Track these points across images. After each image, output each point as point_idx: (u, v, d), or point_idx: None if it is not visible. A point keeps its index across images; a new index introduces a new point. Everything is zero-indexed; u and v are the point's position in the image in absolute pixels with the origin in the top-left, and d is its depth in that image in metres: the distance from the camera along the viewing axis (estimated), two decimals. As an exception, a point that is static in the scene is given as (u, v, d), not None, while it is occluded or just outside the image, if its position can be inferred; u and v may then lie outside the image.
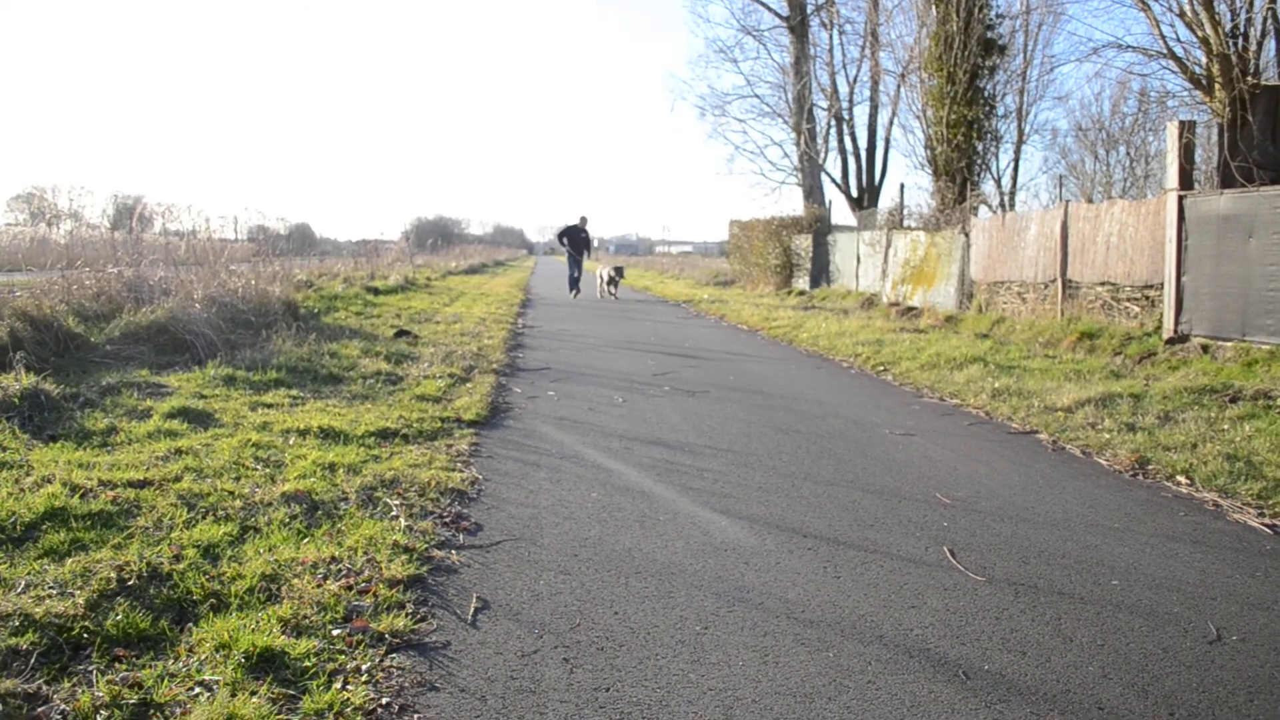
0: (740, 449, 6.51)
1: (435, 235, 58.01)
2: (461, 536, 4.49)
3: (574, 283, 24.88)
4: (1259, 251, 9.59)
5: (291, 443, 5.98)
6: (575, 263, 25.08)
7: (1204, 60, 13.88)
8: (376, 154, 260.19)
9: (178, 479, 4.96)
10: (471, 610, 3.62)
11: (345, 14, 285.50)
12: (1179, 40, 14.38)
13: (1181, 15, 13.77)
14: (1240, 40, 13.26)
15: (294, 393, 7.68)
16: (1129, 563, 4.28)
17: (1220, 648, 3.37)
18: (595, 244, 27.32)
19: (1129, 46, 15.81)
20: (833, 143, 29.22)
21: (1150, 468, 6.04)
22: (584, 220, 25.53)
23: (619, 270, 26.19)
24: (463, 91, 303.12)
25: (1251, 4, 13.21)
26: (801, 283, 25.41)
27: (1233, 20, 13.28)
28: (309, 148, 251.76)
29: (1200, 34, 13.53)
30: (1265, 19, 13.32)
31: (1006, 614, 3.66)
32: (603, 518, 4.83)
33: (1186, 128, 11.10)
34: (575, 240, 25.16)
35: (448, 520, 4.70)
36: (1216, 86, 13.55)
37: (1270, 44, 13.73)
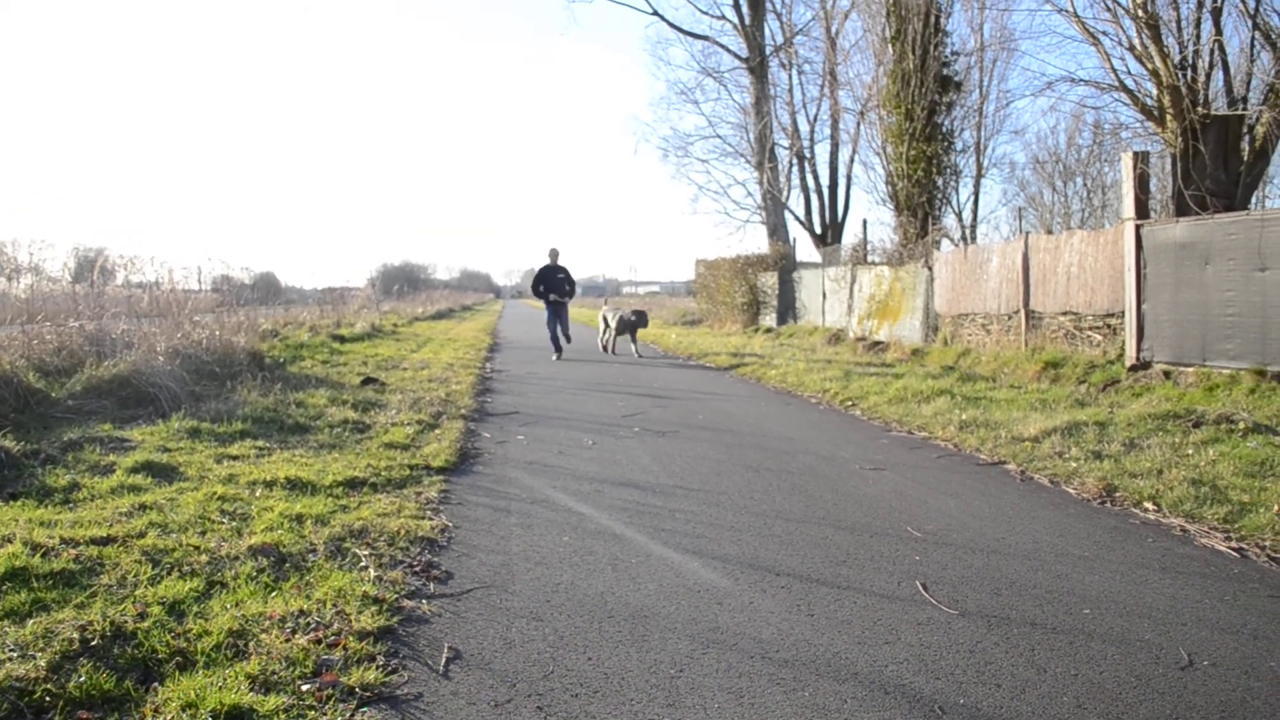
0: (711, 488, 6.49)
1: (401, 281, 57.84)
2: (432, 585, 4.43)
3: (556, 341, 18.52)
4: (1215, 278, 9.78)
5: (258, 495, 5.90)
6: (555, 313, 18.65)
7: (1155, 92, 14.25)
8: (342, 200, 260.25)
9: (142, 535, 4.86)
10: (443, 660, 3.56)
11: (315, 54, 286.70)
12: (1130, 73, 14.80)
13: (1131, 49, 14.15)
14: (1189, 72, 13.62)
15: (260, 444, 7.58)
16: (1100, 591, 4.30)
17: (1192, 673, 3.39)
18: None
19: (1082, 80, 16.29)
20: (795, 181, 29.64)
21: (1117, 495, 6.10)
22: (555, 254, 18.88)
23: (640, 316, 19.76)
24: (427, 136, 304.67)
25: (1199, 36, 13.59)
26: (769, 320, 25.57)
27: (1181, 53, 13.65)
28: (274, 196, 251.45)
29: (1150, 67, 13.90)
30: (1212, 51, 13.71)
31: (980, 647, 3.66)
32: (574, 562, 4.80)
33: (1141, 158, 11.34)
34: (551, 282, 18.76)
35: (418, 569, 4.64)
36: (1168, 117, 13.90)
37: (1219, 75, 14.13)
